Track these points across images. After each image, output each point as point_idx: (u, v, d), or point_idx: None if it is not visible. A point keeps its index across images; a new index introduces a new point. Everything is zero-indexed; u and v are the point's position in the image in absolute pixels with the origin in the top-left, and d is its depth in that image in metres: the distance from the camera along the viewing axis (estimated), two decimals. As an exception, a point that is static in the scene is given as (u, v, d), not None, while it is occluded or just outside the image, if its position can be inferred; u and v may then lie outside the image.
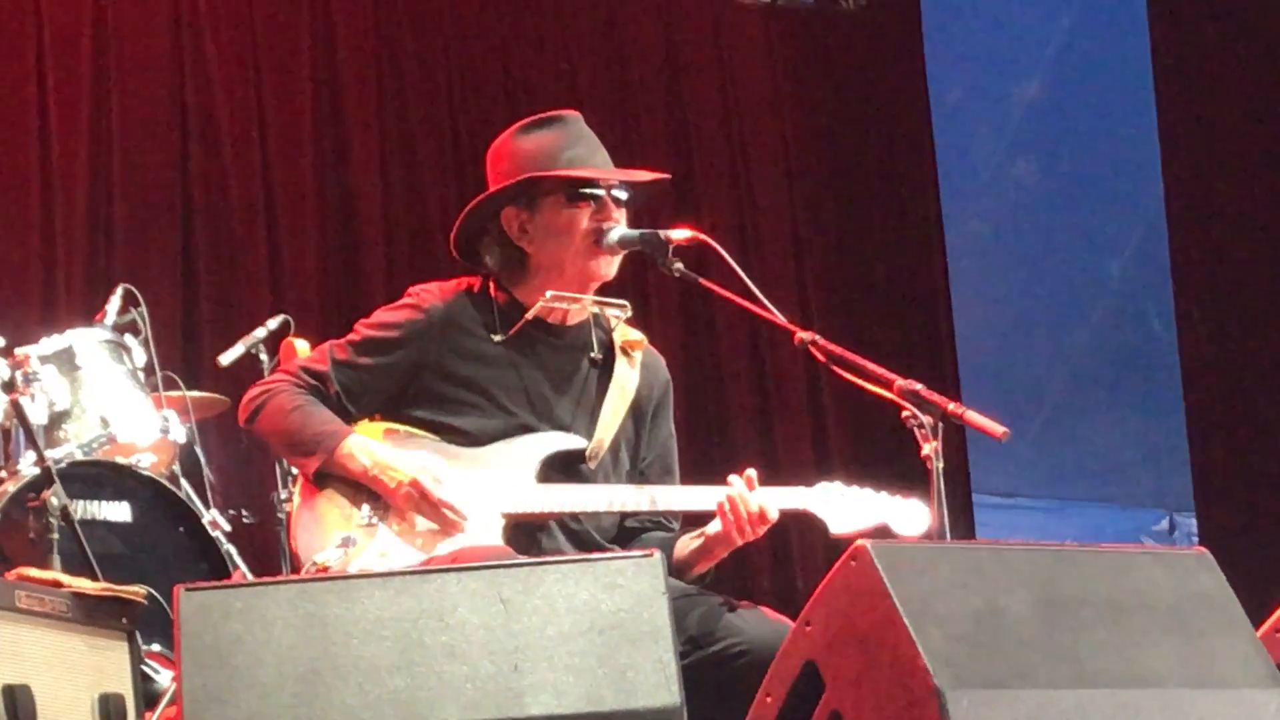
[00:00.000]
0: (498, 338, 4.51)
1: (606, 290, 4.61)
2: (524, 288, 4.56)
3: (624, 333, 4.66)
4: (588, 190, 4.51)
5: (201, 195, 8.30)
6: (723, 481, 4.37)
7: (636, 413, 4.62)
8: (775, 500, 4.38)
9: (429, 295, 4.54)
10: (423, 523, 4.35)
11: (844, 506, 4.43)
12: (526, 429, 4.47)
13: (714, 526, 4.42)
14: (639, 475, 4.60)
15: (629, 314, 4.61)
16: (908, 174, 9.93)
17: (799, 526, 4.60)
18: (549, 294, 4.49)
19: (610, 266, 4.53)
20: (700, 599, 4.39)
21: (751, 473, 4.39)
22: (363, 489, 4.38)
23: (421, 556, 4.29)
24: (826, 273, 9.65)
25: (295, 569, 4.43)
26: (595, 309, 4.59)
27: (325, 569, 4.23)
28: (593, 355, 4.60)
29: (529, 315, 4.52)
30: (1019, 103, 11.17)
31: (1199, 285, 9.86)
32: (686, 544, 4.49)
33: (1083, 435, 11.17)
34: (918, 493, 4.33)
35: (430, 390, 4.47)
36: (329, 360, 4.49)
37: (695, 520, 4.52)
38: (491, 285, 4.58)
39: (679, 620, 4.17)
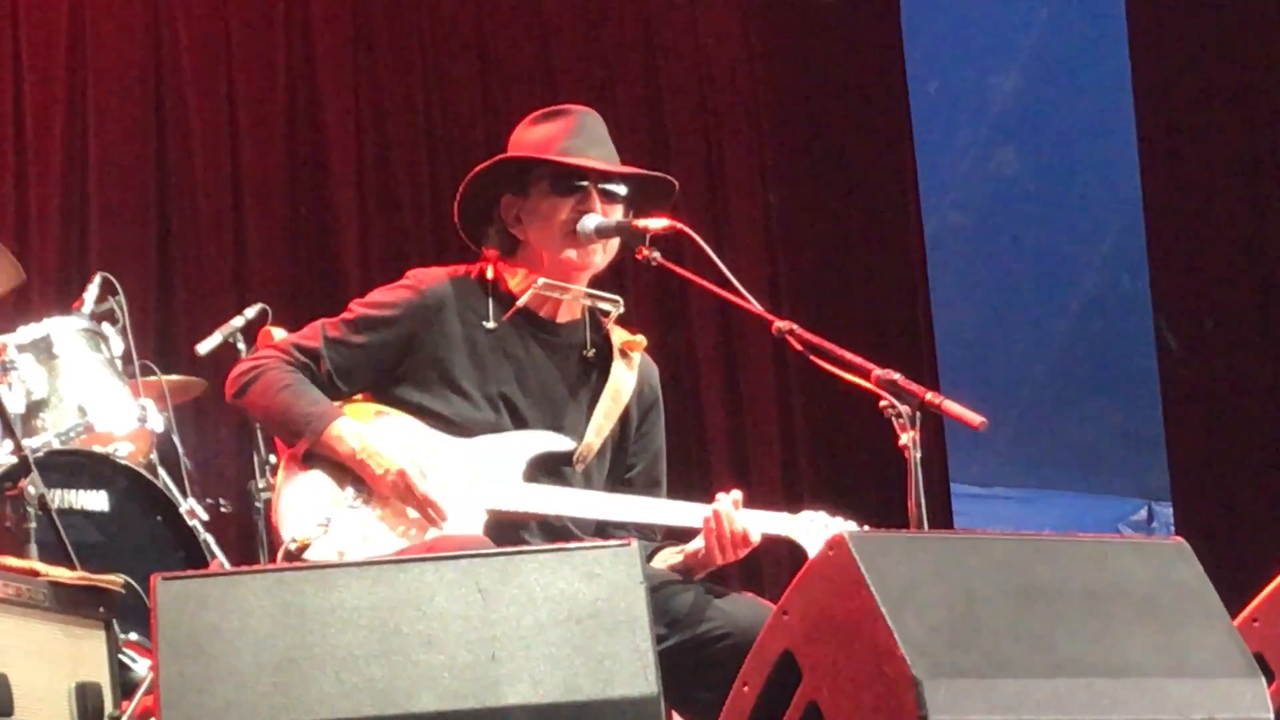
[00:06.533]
0: (490, 324, 4.52)
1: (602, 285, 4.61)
2: (517, 276, 4.58)
3: (622, 334, 4.66)
4: (573, 181, 4.52)
5: (176, 185, 8.28)
6: (699, 490, 4.38)
7: (626, 417, 4.62)
8: (759, 524, 4.39)
9: (426, 277, 4.56)
10: (405, 510, 4.36)
11: (827, 537, 4.42)
12: (514, 423, 4.48)
13: (695, 544, 4.43)
14: (624, 484, 4.61)
15: (621, 309, 4.60)
16: (886, 164, 9.93)
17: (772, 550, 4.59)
18: (540, 281, 4.50)
19: (591, 256, 4.53)
20: (683, 585, 4.42)
21: (737, 494, 4.40)
22: (348, 471, 4.39)
23: (402, 543, 4.30)
24: (804, 263, 9.65)
25: (274, 545, 4.43)
26: (587, 301, 4.59)
27: (304, 545, 4.24)
28: (586, 354, 4.61)
29: (520, 303, 4.53)
30: (998, 93, 11.17)
31: (1176, 275, 9.88)
32: (666, 558, 4.51)
33: (1061, 425, 11.19)
34: (894, 483, 4.33)
35: (420, 372, 4.48)
36: (321, 337, 4.50)
37: (676, 536, 4.52)
38: (489, 273, 4.60)
39: (661, 605, 4.20)
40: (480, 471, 4.40)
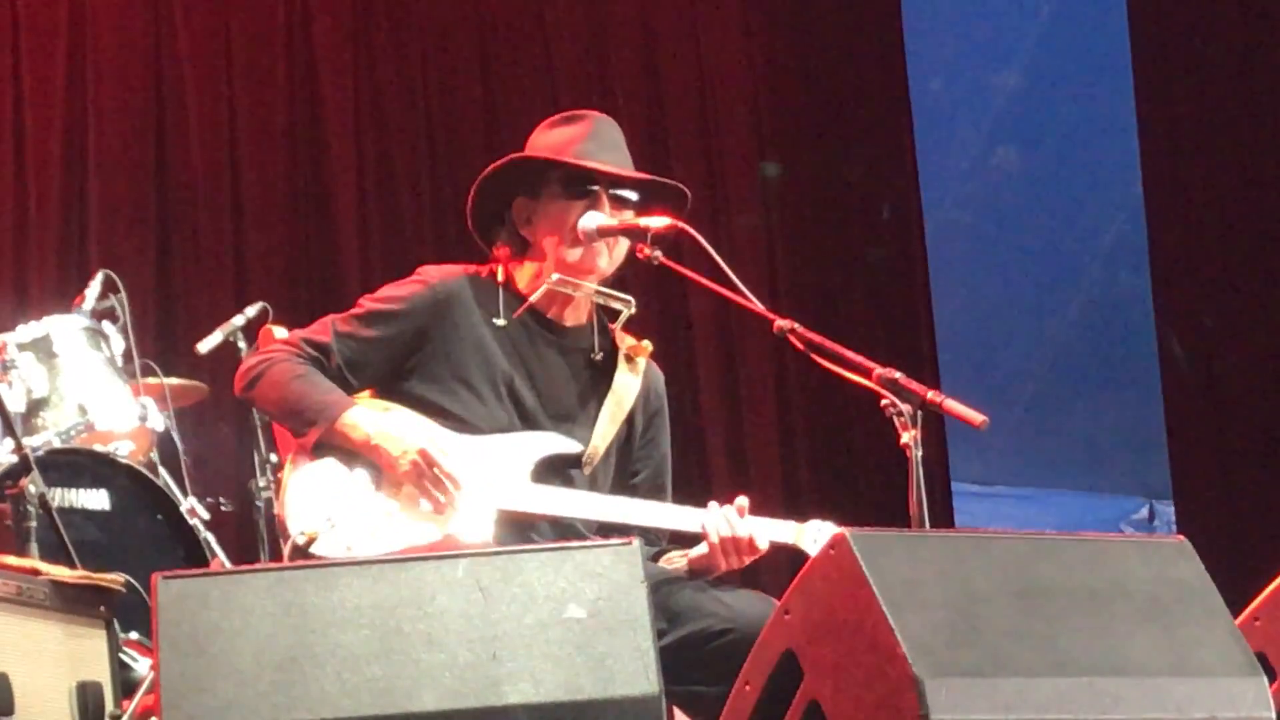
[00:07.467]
0: (500, 322, 4.52)
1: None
2: (526, 277, 4.58)
3: (627, 339, 4.66)
4: (585, 185, 4.52)
5: (176, 184, 8.28)
6: (699, 491, 4.38)
7: (631, 422, 4.62)
8: (765, 532, 4.38)
9: (436, 273, 4.57)
10: (414, 502, 4.35)
11: None
12: (522, 421, 4.48)
13: (699, 550, 4.42)
14: (628, 489, 4.59)
15: (633, 310, 4.59)
16: (888, 162, 9.93)
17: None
18: (555, 277, 4.50)
19: (596, 258, 4.51)
20: (685, 581, 4.41)
21: (743, 501, 4.39)
22: (358, 461, 4.37)
23: (410, 538, 4.28)
24: (805, 261, 9.65)
25: (276, 541, 4.43)
26: (599, 300, 4.58)
27: (311, 539, 4.23)
28: (593, 357, 4.61)
29: (532, 299, 4.53)
30: (999, 91, 11.17)
31: (1177, 273, 9.88)
32: (670, 561, 4.50)
33: (1062, 423, 11.18)
34: (896, 482, 4.32)
35: (429, 367, 4.48)
36: (331, 332, 4.50)
37: (681, 541, 4.51)
38: (499, 273, 4.60)
39: (662, 600, 4.19)
40: (489, 470, 4.39)
